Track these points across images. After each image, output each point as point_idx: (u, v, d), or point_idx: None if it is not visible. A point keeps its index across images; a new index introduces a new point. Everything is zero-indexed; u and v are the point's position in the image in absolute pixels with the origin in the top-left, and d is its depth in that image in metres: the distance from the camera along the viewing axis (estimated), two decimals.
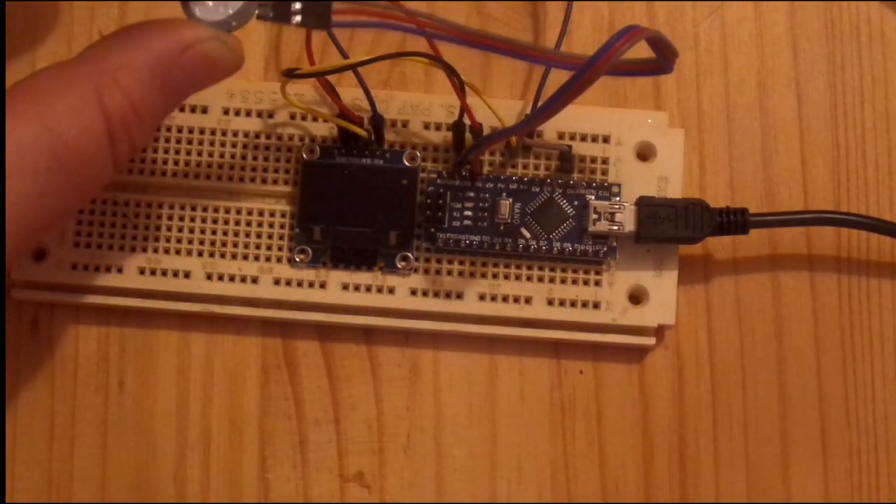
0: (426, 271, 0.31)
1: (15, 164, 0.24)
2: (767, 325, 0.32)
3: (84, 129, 0.25)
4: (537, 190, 0.31)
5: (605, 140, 0.32)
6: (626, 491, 0.32)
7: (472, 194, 0.31)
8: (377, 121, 0.32)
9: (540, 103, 0.31)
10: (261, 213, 0.32)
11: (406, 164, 0.32)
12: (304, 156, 0.32)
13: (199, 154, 0.32)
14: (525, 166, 0.32)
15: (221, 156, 0.32)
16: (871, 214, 0.32)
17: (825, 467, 0.32)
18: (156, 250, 0.32)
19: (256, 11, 0.26)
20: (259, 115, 0.32)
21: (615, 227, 0.31)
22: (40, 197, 0.24)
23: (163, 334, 0.32)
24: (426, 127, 0.32)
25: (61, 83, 0.25)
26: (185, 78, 0.26)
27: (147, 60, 0.25)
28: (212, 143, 0.32)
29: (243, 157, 0.32)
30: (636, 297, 0.31)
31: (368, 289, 0.31)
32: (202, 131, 0.32)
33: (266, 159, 0.32)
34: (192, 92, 0.27)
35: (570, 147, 0.31)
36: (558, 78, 0.33)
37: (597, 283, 0.31)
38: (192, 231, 0.32)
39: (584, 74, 0.26)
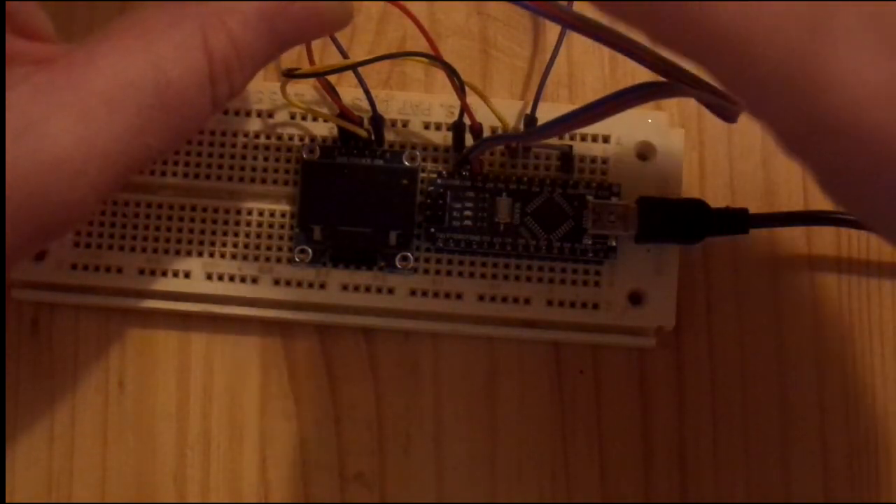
0: (426, 271, 0.31)
1: (118, 98, 0.24)
2: (767, 325, 0.32)
3: (187, 68, 0.25)
4: (537, 190, 0.31)
5: (605, 140, 0.32)
6: (626, 491, 0.32)
7: (472, 194, 0.31)
8: (377, 121, 0.32)
9: (540, 104, 0.31)
10: (261, 213, 0.32)
11: (406, 164, 0.32)
12: (304, 156, 0.32)
13: (199, 154, 0.32)
14: (525, 166, 0.32)
15: (221, 156, 0.32)
16: None
17: (825, 467, 0.32)
18: (156, 250, 0.32)
19: None
20: (259, 115, 0.32)
21: (615, 228, 0.31)
22: (139, 133, 0.24)
23: (163, 334, 0.32)
24: (426, 127, 0.32)
25: (168, 20, 0.25)
26: (292, 28, 0.26)
27: (255, 6, 0.25)
28: (212, 143, 0.32)
29: (243, 157, 0.32)
30: (636, 298, 0.31)
31: (368, 289, 0.31)
32: (202, 131, 0.32)
33: (266, 159, 0.32)
34: (296, 43, 0.27)
35: (570, 147, 0.31)
36: (558, 78, 0.33)
37: (596, 284, 0.31)
38: (192, 231, 0.32)
39: (595, 111, 0.25)
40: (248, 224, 0.32)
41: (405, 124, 0.32)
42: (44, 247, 0.31)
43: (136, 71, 0.24)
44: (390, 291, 0.31)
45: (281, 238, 0.32)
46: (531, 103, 0.31)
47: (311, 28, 0.26)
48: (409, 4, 0.31)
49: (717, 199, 0.32)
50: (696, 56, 0.19)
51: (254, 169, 0.32)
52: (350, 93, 0.32)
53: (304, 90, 0.32)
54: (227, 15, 0.25)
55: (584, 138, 0.32)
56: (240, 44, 0.25)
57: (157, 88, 0.24)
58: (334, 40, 0.31)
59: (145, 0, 0.31)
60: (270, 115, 0.32)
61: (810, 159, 0.19)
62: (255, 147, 0.32)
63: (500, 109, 0.31)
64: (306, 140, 0.32)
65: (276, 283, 0.32)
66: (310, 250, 0.31)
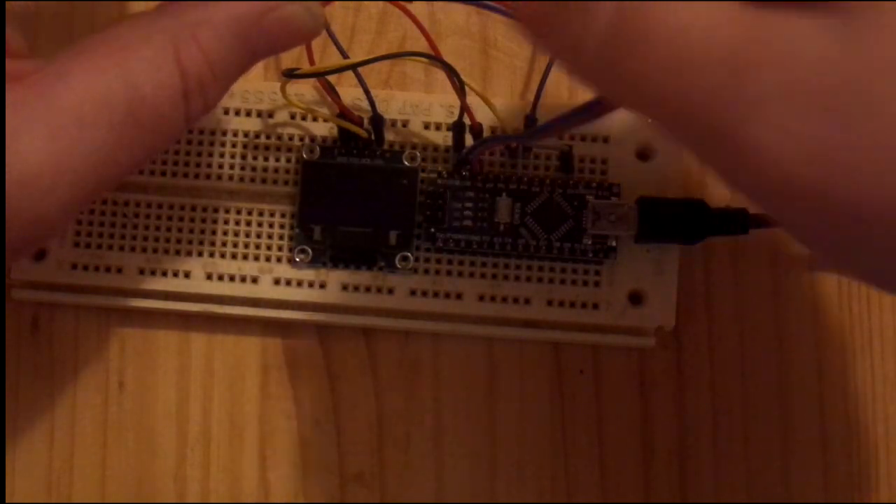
0: (426, 271, 0.31)
1: (89, 115, 0.24)
2: (767, 325, 0.32)
3: (160, 84, 0.24)
4: (537, 190, 0.31)
5: (605, 140, 0.32)
6: (626, 491, 0.32)
7: (472, 194, 0.31)
8: (377, 121, 0.32)
9: (540, 104, 0.31)
10: (261, 213, 0.32)
11: (406, 164, 0.32)
12: (304, 156, 0.32)
13: (199, 154, 0.32)
14: (525, 166, 0.32)
15: (221, 156, 0.32)
16: None
17: (825, 467, 0.32)
18: (156, 250, 0.32)
19: None
20: (259, 115, 0.32)
21: (615, 228, 0.31)
22: (111, 150, 0.24)
23: (163, 334, 0.32)
24: (426, 127, 0.32)
25: (140, 36, 0.25)
26: (264, 40, 0.26)
27: (227, 19, 0.25)
28: (212, 143, 0.32)
29: (243, 157, 0.32)
30: (636, 298, 0.31)
31: (368, 289, 0.31)
32: (202, 131, 0.32)
33: (266, 159, 0.32)
34: (268, 55, 0.26)
35: (570, 147, 0.31)
36: (558, 78, 0.33)
37: (596, 284, 0.31)
38: (192, 231, 0.32)
39: (594, 111, 0.25)
40: (248, 224, 0.32)
41: (405, 124, 0.32)
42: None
43: (108, 88, 0.24)
44: (390, 291, 0.31)
45: (281, 238, 0.32)
46: (531, 103, 0.31)
47: (284, 41, 0.26)
48: (408, 4, 0.31)
49: (716, 199, 0.32)
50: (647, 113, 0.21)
51: (254, 169, 0.32)
52: (350, 93, 0.32)
53: (304, 90, 0.32)
54: (198, 29, 0.25)
55: (583, 138, 0.32)
56: (213, 57, 0.25)
57: (130, 105, 0.24)
58: (334, 40, 0.31)
59: (144, 0, 0.31)
60: (270, 115, 0.32)
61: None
62: (255, 147, 0.32)
63: (500, 109, 0.31)
64: (306, 140, 0.32)
65: (276, 283, 0.32)
66: (310, 250, 0.31)
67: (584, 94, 0.32)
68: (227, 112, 0.32)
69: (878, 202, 0.18)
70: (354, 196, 0.31)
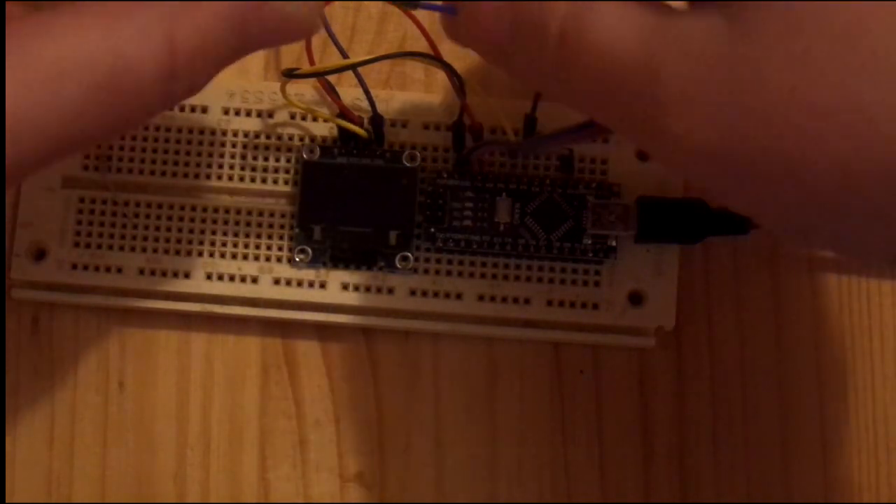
0: (426, 271, 0.31)
1: (67, 73, 0.23)
2: (767, 325, 0.32)
3: (147, 56, 0.23)
4: (537, 190, 0.31)
5: (605, 140, 0.32)
6: (626, 491, 0.32)
7: (472, 194, 0.31)
8: (377, 121, 0.32)
9: (540, 104, 0.31)
10: (261, 213, 0.32)
11: (406, 164, 0.32)
12: (304, 156, 0.32)
13: (199, 154, 0.32)
14: (525, 166, 0.32)
15: (221, 156, 0.32)
16: None
17: (825, 467, 0.32)
18: (156, 250, 0.32)
19: None
20: (259, 115, 0.32)
21: (615, 227, 0.31)
22: (85, 113, 0.23)
23: (163, 334, 0.32)
24: (426, 127, 0.32)
25: (135, 2, 0.24)
26: (260, 32, 0.25)
27: (227, 3, 0.24)
28: (212, 143, 0.32)
29: (243, 157, 0.32)
30: (636, 298, 0.31)
31: (368, 289, 0.31)
32: (202, 131, 0.32)
33: (266, 159, 0.32)
34: (260, 48, 0.26)
35: (571, 150, 0.31)
36: None
37: (596, 284, 0.31)
38: (192, 231, 0.32)
39: (586, 133, 0.27)
40: (248, 224, 0.32)
41: (405, 124, 0.32)
42: None
43: (92, 48, 0.23)
44: (390, 291, 0.31)
45: (281, 238, 0.32)
46: (531, 103, 0.31)
47: (279, 35, 0.25)
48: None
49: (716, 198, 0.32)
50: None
51: (254, 169, 0.32)
52: (350, 93, 0.32)
53: (304, 90, 0.32)
54: (197, 8, 0.24)
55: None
56: (207, 38, 0.24)
57: (112, 71, 0.23)
58: (334, 40, 0.31)
59: None
60: (270, 115, 0.32)
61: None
62: (255, 147, 0.32)
63: (499, 109, 0.31)
64: (306, 140, 0.32)
65: (276, 283, 0.32)
66: (310, 250, 0.31)
67: None
68: (227, 112, 0.32)
69: (764, 164, 0.21)
70: (354, 196, 0.31)
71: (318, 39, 0.31)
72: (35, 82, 0.23)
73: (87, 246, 0.32)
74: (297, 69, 0.30)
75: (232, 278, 0.32)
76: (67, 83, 0.23)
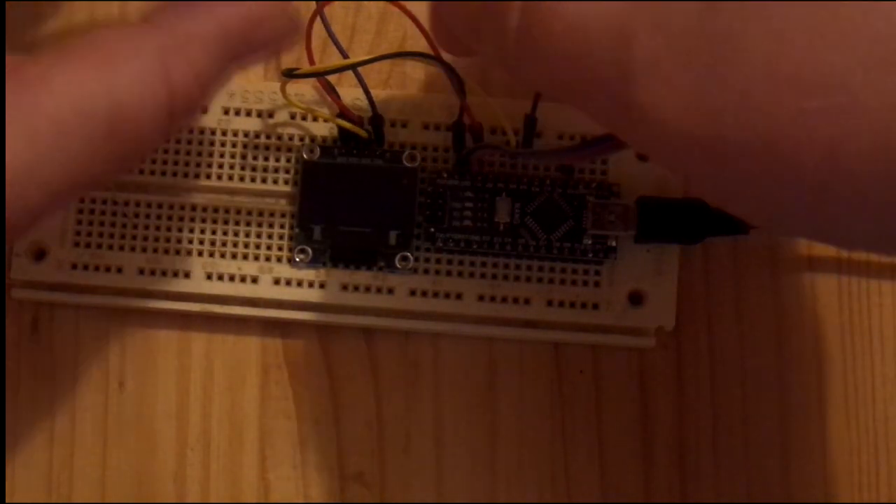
0: (426, 271, 0.31)
1: (69, 125, 0.23)
2: (767, 325, 0.32)
3: (146, 102, 0.24)
4: (537, 190, 0.31)
5: (604, 161, 0.32)
6: (626, 491, 0.32)
7: (471, 194, 0.31)
8: (377, 121, 0.32)
9: (540, 104, 0.31)
10: (261, 213, 0.32)
11: (406, 164, 0.32)
12: (304, 156, 0.32)
13: (199, 154, 0.32)
14: (525, 166, 0.32)
15: (221, 156, 0.32)
16: None
17: (825, 467, 0.32)
18: (156, 250, 0.32)
19: None
20: (259, 115, 0.32)
21: (615, 227, 0.31)
22: (88, 161, 0.23)
23: (163, 334, 0.32)
24: (426, 127, 0.32)
25: (128, 47, 0.24)
26: (248, 53, 0.25)
27: (217, 33, 0.25)
28: (212, 143, 0.32)
29: (243, 157, 0.32)
30: (636, 298, 0.31)
31: (368, 289, 0.31)
32: (202, 131, 0.32)
33: (266, 159, 0.32)
34: (246, 67, 0.26)
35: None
36: None
37: (596, 284, 0.31)
38: (192, 231, 0.32)
39: (589, 152, 0.27)
40: (248, 224, 0.32)
41: (405, 124, 0.32)
42: None
43: (92, 99, 0.23)
44: (390, 291, 0.31)
45: (281, 238, 0.32)
46: (531, 104, 0.31)
47: (266, 53, 0.26)
48: (408, 4, 0.31)
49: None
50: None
51: (254, 169, 0.32)
52: (350, 93, 0.32)
53: (304, 90, 0.32)
54: (189, 45, 0.24)
55: (583, 139, 0.32)
56: (201, 73, 0.24)
57: (112, 120, 0.23)
58: (334, 40, 0.31)
59: (141, 0, 0.31)
60: (270, 115, 0.32)
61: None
62: (255, 147, 0.32)
63: (499, 109, 0.31)
64: (306, 140, 0.32)
65: (276, 283, 0.32)
66: (310, 250, 0.31)
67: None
68: (227, 112, 0.32)
69: (741, 141, 0.20)
70: (354, 196, 0.31)
71: (318, 39, 0.31)
72: (38, 137, 0.23)
73: (87, 246, 0.32)
74: (297, 69, 0.30)
75: (232, 278, 0.32)
76: (69, 137, 0.23)
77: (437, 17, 0.27)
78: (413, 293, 0.31)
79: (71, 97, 0.23)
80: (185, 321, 0.32)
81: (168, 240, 0.32)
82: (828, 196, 0.20)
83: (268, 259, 0.32)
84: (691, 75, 0.20)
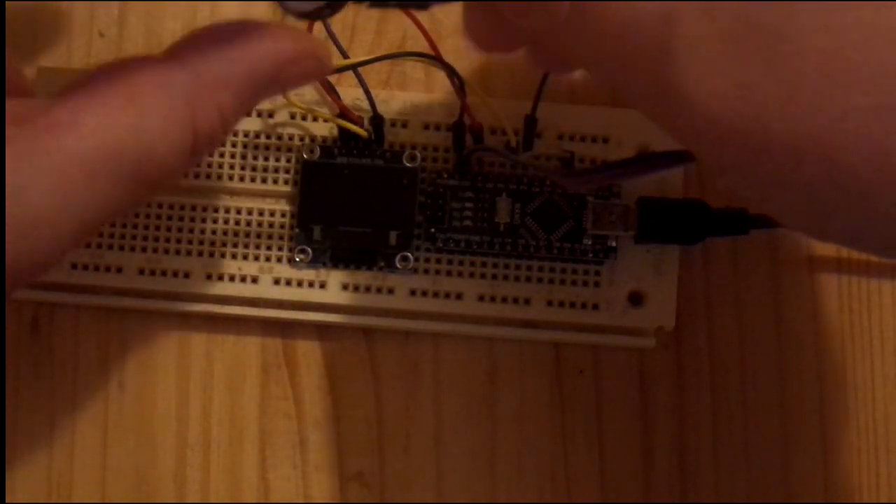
0: (426, 271, 0.31)
1: (98, 167, 0.23)
2: (767, 325, 0.32)
3: (173, 146, 0.24)
4: (537, 190, 0.31)
5: (605, 140, 0.32)
6: (626, 491, 0.32)
7: (471, 194, 0.31)
8: (377, 121, 0.32)
9: (540, 104, 0.31)
10: (261, 213, 0.32)
11: (406, 164, 0.32)
12: (304, 156, 0.32)
13: None
14: (525, 167, 0.32)
15: (221, 156, 0.32)
16: None
17: (825, 467, 0.32)
18: (156, 250, 0.32)
19: None
20: (259, 114, 0.32)
21: (615, 228, 0.31)
22: (115, 202, 0.24)
23: (163, 334, 0.32)
24: (426, 127, 0.32)
25: (157, 88, 0.24)
26: (275, 90, 0.25)
27: (246, 76, 0.24)
28: None
29: (243, 157, 0.32)
30: (636, 298, 0.31)
31: (368, 289, 0.31)
32: None
33: (266, 159, 0.32)
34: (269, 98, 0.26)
35: (571, 153, 0.31)
36: (558, 79, 0.33)
37: (596, 284, 0.31)
38: (192, 231, 0.32)
39: (594, 179, 0.27)
40: (248, 224, 0.32)
41: (405, 124, 0.32)
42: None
43: (120, 141, 0.23)
44: (390, 291, 0.31)
45: (281, 238, 0.32)
46: (531, 104, 0.31)
47: (295, 86, 0.26)
48: None
49: (716, 199, 0.32)
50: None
51: (254, 169, 0.32)
52: (350, 93, 0.32)
53: (304, 90, 0.32)
54: (218, 89, 0.24)
55: (583, 139, 0.32)
56: (226, 115, 0.24)
57: (139, 161, 0.23)
58: (334, 40, 0.31)
59: (143, 0, 0.31)
60: (270, 115, 0.32)
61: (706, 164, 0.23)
62: (255, 147, 0.32)
63: (500, 110, 0.31)
64: (306, 140, 0.32)
65: (276, 283, 0.32)
66: (310, 250, 0.31)
67: (586, 95, 0.32)
68: None
69: (786, 135, 0.19)
70: (354, 196, 0.31)
71: (318, 39, 0.31)
72: (69, 181, 0.23)
73: (87, 245, 0.32)
74: None
75: (232, 278, 0.32)
76: (98, 179, 0.23)
77: (476, 7, 0.26)
78: (413, 293, 0.31)
79: (99, 141, 0.23)
80: (185, 321, 0.32)
81: (168, 240, 0.32)
82: (873, 198, 0.19)
83: (268, 259, 0.32)
84: (736, 63, 0.20)
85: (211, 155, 0.32)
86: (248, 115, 0.32)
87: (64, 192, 0.23)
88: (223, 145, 0.32)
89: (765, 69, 0.19)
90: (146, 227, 0.32)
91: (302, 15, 0.24)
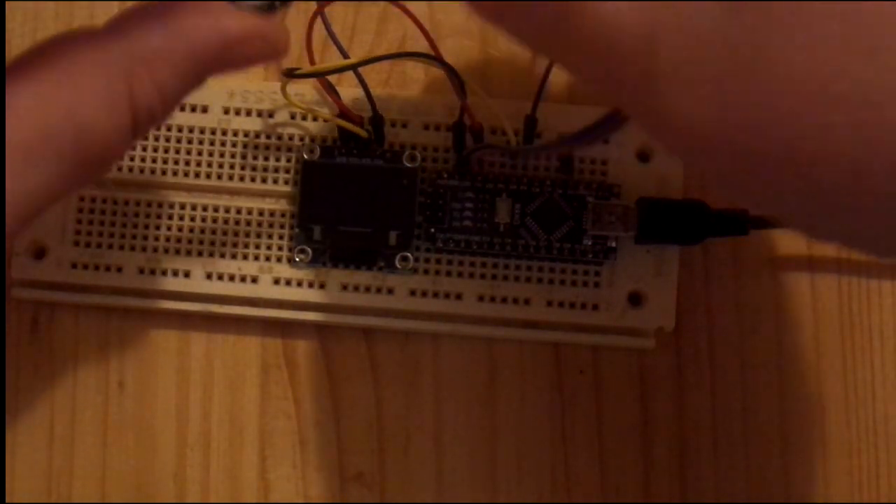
0: (426, 271, 0.31)
1: (35, 149, 0.23)
2: (767, 326, 0.32)
3: (111, 121, 0.23)
4: (537, 190, 0.31)
5: (605, 141, 0.32)
6: (626, 491, 0.32)
7: (471, 194, 0.31)
8: (377, 121, 0.32)
9: (540, 104, 0.31)
10: (261, 213, 0.32)
11: (406, 164, 0.32)
12: (304, 156, 0.32)
13: (199, 154, 0.32)
14: (525, 167, 0.32)
15: (221, 156, 0.32)
16: None
17: (825, 467, 0.32)
18: (156, 250, 0.32)
19: None
20: (259, 114, 0.32)
21: (615, 228, 0.31)
22: (57, 181, 0.23)
23: (163, 334, 0.32)
24: (426, 127, 0.32)
25: (93, 63, 0.23)
26: (219, 70, 0.25)
27: (186, 51, 0.24)
28: (212, 143, 0.32)
29: (243, 157, 0.32)
30: (636, 299, 0.31)
31: (368, 289, 0.31)
32: (202, 131, 0.32)
33: (266, 159, 0.32)
34: (218, 76, 0.25)
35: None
36: (558, 78, 0.33)
37: (596, 285, 0.31)
38: (192, 231, 0.32)
39: (590, 139, 0.26)
40: (248, 224, 0.32)
41: (405, 124, 0.32)
42: None
43: (56, 121, 0.23)
44: (390, 291, 0.31)
45: (281, 238, 0.32)
46: (531, 103, 0.31)
47: (240, 70, 0.25)
48: (409, 4, 0.31)
49: (716, 199, 0.32)
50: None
51: (254, 169, 0.32)
52: (350, 93, 0.32)
53: (305, 90, 0.32)
54: (155, 62, 0.24)
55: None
56: (166, 91, 0.24)
57: (78, 141, 0.23)
58: (334, 40, 0.31)
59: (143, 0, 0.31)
60: (270, 115, 0.32)
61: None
62: (255, 147, 0.32)
63: (500, 110, 0.31)
64: (306, 140, 0.32)
65: (276, 283, 0.32)
66: (310, 250, 0.31)
67: (586, 95, 0.32)
68: (227, 112, 0.32)
69: (768, 153, 0.20)
70: (354, 196, 0.31)
71: (318, 39, 0.31)
72: (8, 163, 0.22)
73: (87, 245, 0.32)
74: (298, 69, 0.30)
75: (232, 278, 0.32)
76: (35, 160, 0.23)
77: None
78: (413, 293, 0.31)
79: (35, 121, 0.23)
80: (185, 321, 0.32)
81: (168, 240, 0.32)
82: (851, 209, 0.20)
83: (268, 259, 0.32)
84: (713, 83, 0.20)
85: (210, 155, 0.32)
86: (249, 114, 0.32)
87: (5, 173, 0.22)
88: (223, 145, 0.32)
89: (742, 90, 0.20)
90: (146, 227, 0.32)
91: (253, 10, 0.24)
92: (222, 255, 0.32)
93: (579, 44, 0.21)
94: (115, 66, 0.23)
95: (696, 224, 0.31)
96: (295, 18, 0.30)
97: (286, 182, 0.32)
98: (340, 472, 0.32)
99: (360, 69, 0.31)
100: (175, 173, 0.32)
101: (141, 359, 0.32)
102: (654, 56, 0.20)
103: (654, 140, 0.23)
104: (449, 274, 0.31)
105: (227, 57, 0.24)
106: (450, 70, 0.30)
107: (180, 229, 0.32)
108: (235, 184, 0.32)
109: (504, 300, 0.31)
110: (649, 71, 0.20)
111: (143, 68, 0.24)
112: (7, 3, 0.33)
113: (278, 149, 0.32)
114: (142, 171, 0.32)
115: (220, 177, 0.32)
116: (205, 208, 0.32)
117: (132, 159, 0.32)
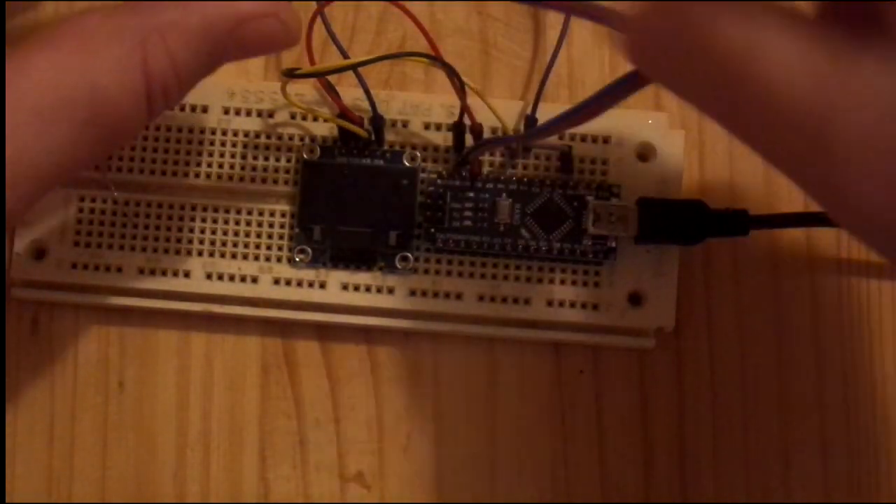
0: (426, 271, 0.31)
1: (50, 113, 0.23)
2: (767, 326, 0.32)
3: (124, 87, 0.24)
4: (537, 190, 0.31)
5: (605, 140, 0.32)
6: (626, 491, 0.32)
7: (472, 194, 0.31)
8: (377, 121, 0.32)
9: (540, 104, 0.31)
10: (261, 213, 0.32)
11: (406, 164, 0.32)
12: (304, 156, 0.32)
13: (199, 154, 0.32)
14: (525, 167, 0.32)
15: (221, 156, 0.32)
16: None
17: (825, 467, 0.32)
18: (156, 250, 0.32)
19: None
20: (259, 114, 0.32)
21: (615, 228, 0.31)
22: (72, 147, 0.24)
23: (163, 334, 0.32)
24: (426, 127, 0.32)
25: (108, 31, 0.24)
26: (234, 50, 0.25)
27: (199, 26, 0.24)
28: (212, 143, 0.32)
29: (243, 157, 0.32)
30: (636, 299, 0.31)
31: (368, 289, 0.31)
32: (202, 131, 0.32)
33: (266, 159, 0.32)
34: (236, 60, 0.26)
35: (570, 147, 0.31)
36: (558, 78, 0.33)
37: (596, 285, 0.31)
38: (192, 231, 0.32)
39: (589, 109, 0.25)
40: (248, 224, 0.32)
41: (405, 124, 0.32)
42: None
43: (72, 86, 0.23)
44: (390, 291, 0.31)
45: (281, 238, 0.32)
46: (531, 103, 0.31)
47: (255, 51, 0.26)
48: (409, 4, 0.31)
49: (717, 199, 0.32)
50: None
51: (254, 169, 0.32)
52: (350, 93, 0.32)
53: (305, 90, 0.32)
54: (168, 33, 0.24)
55: (583, 139, 0.32)
56: (179, 64, 0.24)
57: (92, 105, 0.24)
58: (334, 40, 0.31)
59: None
60: (270, 115, 0.32)
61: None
62: (255, 147, 0.32)
63: (500, 110, 0.31)
64: (306, 140, 0.32)
65: (276, 283, 0.32)
66: (310, 250, 0.31)
67: (586, 95, 0.32)
68: (227, 112, 0.32)
69: None
70: (354, 196, 0.31)
71: (318, 39, 0.31)
72: (22, 127, 0.23)
73: (87, 245, 0.32)
74: (298, 69, 0.30)
75: (232, 278, 0.32)
76: (51, 124, 0.23)
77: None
78: (413, 293, 0.31)
79: (51, 85, 0.23)
80: (185, 321, 0.32)
81: (168, 240, 0.32)
82: None
83: (268, 259, 0.32)
84: (890, 165, 0.19)
85: (211, 154, 0.32)
86: (249, 114, 0.32)
87: (17, 138, 0.23)
88: (223, 145, 0.32)
89: None
90: (146, 227, 0.32)
91: None
92: (222, 255, 0.32)
93: (745, 104, 0.20)
94: (129, 35, 0.24)
95: (696, 224, 0.31)
96: None
97: (286, 182, 0.32)
98: (340, 472, 0.32)
99: (360, 69, 0.31)
100: (175, 173, 0.32)
101: (141, 359, 0.32)
102: (829, 131, 0.19)
103: (831, 217, 0.21)
104: (449, 274, 0.31)
105: (241, 34, 0.25)
106: (450, 70, 0.30)
107: (180, 229, 0.32)
108: (235, 184, 0.32)
109: (504, 300, 0.31)
110: (824, 146, 0.19)
111: (157, 37, 0.24)
112: (7, 2, 0.33)
113: (278, 149, 0.32)
114: (142, 171, 0.32)
115: (220, 177, 0.32)
116: (205, 208, 0.32)
117: (132, 159, 0.32)
